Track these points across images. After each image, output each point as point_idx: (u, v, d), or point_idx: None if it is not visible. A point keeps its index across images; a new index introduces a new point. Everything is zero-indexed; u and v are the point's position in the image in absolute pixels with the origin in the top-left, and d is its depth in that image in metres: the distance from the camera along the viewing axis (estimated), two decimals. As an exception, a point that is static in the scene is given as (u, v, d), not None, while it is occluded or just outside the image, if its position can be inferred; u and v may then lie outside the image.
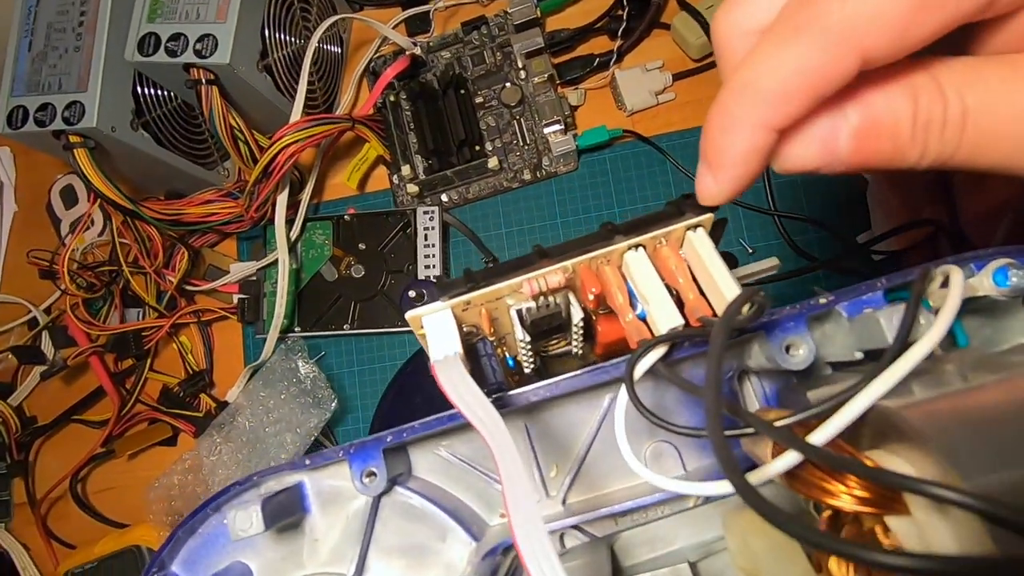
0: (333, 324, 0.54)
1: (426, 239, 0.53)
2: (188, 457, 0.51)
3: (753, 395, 0.19)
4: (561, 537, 0.19)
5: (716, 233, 0.17)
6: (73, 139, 0.45)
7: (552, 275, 0.17)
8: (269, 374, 0.51)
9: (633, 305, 0.17)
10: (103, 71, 0.44)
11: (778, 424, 0.13)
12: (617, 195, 0.54)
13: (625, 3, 0.53)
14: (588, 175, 0.54)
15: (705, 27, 0.51)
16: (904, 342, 0.13)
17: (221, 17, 0.44)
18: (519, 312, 0.17)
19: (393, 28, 0.57)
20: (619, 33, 0.53)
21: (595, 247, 0.17)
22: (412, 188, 0.54)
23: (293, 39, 0.52)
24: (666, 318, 0.16)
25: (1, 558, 0.56)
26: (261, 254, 0.55)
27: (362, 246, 0.54)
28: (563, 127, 0.53)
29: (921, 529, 0.11)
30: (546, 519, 0.18)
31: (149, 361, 0.57)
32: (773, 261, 0.23)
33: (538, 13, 0.54)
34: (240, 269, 0.56)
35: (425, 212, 0.53)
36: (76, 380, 0.60)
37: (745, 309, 0.14)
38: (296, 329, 0.54)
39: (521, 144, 0.55)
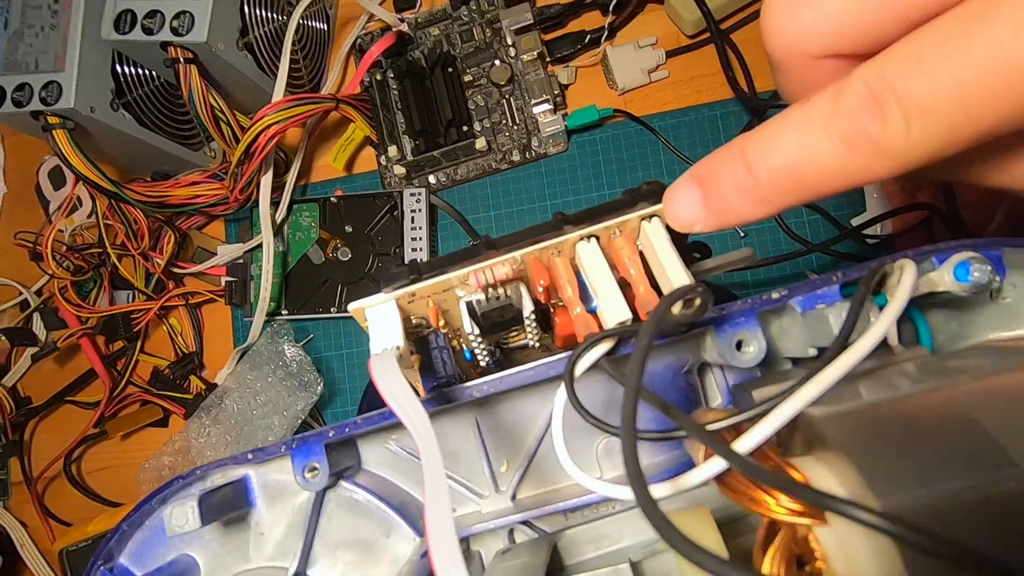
0: (320, 307, 0.53)
1: (413, 221, 0.52)
2: (178, 439, 0.51)
3: (716, 388, 0.18)
4: (510, 532, 0.19)
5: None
6: (52, 120, 0.44)
7: (499, 267, 0.16)
8: (256, 357, 0.51)
9: (585, 298, 0.16)
10: (80, 50, 0.44)
11: (711, 427, 0.12)
12: (608, 176, 0.53)
13: (617, -24, 0.51)
14: (578, 156, 0.53)
15: (699, 1, 0.49)
16: (844, 344, 0.12)
17: (198, -7, 0.43)
18: (469, 304, 0.17)
19: (380, 4, 0.55)
20: (610, 8, 0.51)
21: (545, 238, 0.16)
22: (399, 169, 0.53)
23: (275, 16, 0.50)
24: (614, 312, 0.15)
25: (0, 535, 0.58)
26: (248, 236, 0.55)
27: (349, 228, 0.53)
28: (552, 106, 0.52)
29: (842, 542, 0.11)
30: (495, 514, 0.18)
31: (140, 343, 0.57)
32: (746, 251, 0.22)
33: (527, -13, 0.52)
34: (228, 252, 0.56)
35: (412, 194, 0.53)
36: (69, 362, 0.60)
37: (678, 307, 0.13)
38: (283, 312, 0.54)
39: (510, 124, 0.53)
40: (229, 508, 0.17)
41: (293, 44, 0.51)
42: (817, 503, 0.10)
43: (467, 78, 0.54)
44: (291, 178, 0.54)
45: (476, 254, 0.16)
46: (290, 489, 0.18)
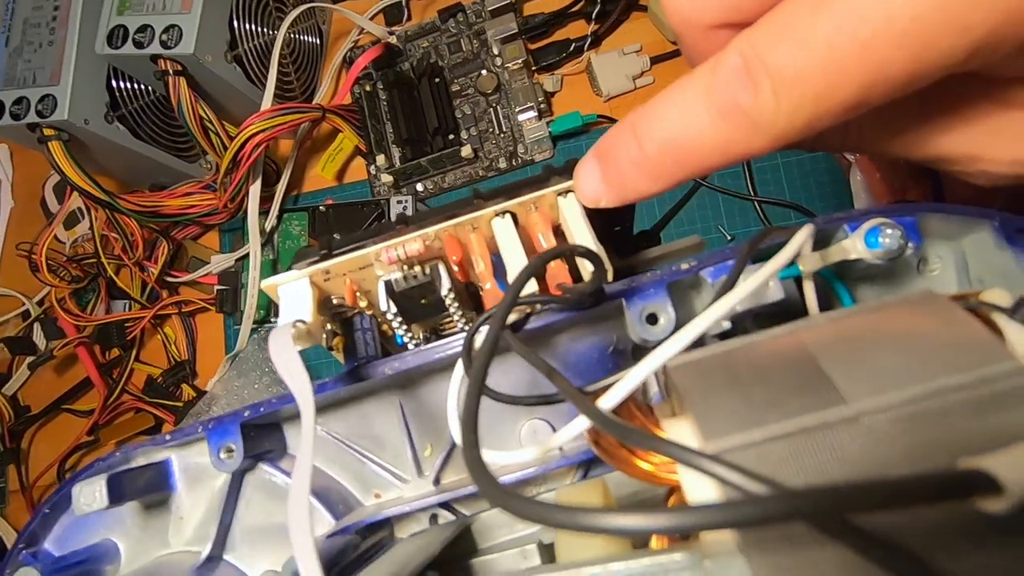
0: (308, 315, 0.54)
1: (399, 229, 0.52)
2: (166, 445, 0.52)
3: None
4: (433, 517, 0.18)
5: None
6: (47, 132, 0.45)
7: (411, 243, 0.16)
8: (243, 364, 0.52)
9: (500, 275, 0.16)
10: (75, 64, 0.45)
11: (588, 389, 0.12)
12: (593, 182, 0.52)
13: (600, -15, 0.51)
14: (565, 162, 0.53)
15: (681, 7, 0.49)
16: (711, 305, 0.12)
17: (187, 7, 0.44)
18: (387, 283, 0.17)
19: (371, 18, 0.57)
20: (594, 16, 0.52)
21: (458, 213, 0.16)
22: (387, 178, 0.54)
23: (266, 30, 0.52)
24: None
25: (-3, 542, 0.58)
26: (241, 245, 0.56)
27: (337, 236, 0.54)
28: (537, 114, 0.52)
29: (690, 494, 0.10)
30: (416, 498, 0.17)
31: (135, 351, 0.58)
32: (695, 239, 0.22)
33: (512, -2, 0.53)
34: (220, 260, 0.56)
35: (399, 202, 0.53)
36: (67, 370, 0.61)
37: (567, 274, 0.13)
38: (272, 320, 0.54)
39: (497, 132, 0.54)
40: (147, 490, 0.17)
41: (285, 57, 0.52)
42: (646, 446, 0.09)
43: (455, 88, 0.55)
44: (281, 187, 0.55)
45: (388, 230, 0.16)
46: (209, 472, 0.18)
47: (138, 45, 0.44)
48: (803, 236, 0.13)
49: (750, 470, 0.08)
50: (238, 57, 0.49)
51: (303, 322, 0.15)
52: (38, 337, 0.60)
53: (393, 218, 0.53)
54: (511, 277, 0.15)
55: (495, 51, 0.54)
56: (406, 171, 0.54)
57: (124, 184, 0.59)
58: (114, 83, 0.49)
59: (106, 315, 0.57)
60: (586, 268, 0.15)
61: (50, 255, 0.55)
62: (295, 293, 0.16)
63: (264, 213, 0.53)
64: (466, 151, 0.53)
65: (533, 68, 0.54)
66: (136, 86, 0.50)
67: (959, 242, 0.14)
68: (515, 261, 0.15)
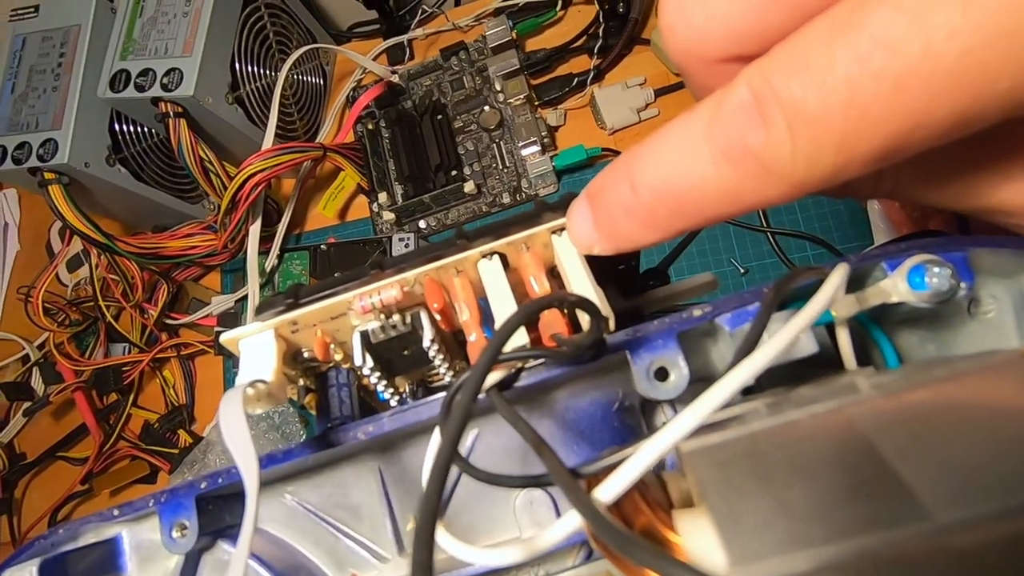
0: (308, 356, 0.52)
1: (401, 267, 0.51)
2: (159, 496, 0.50)
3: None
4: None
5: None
6: (48, 175, 0.45)
7: (387, 289, 0.14)
8: (240, 409, 0.50)
9: (488, 322, 0.14)
10: (77, 109, 0.45)
11: (584, 471, 0.10)
12: (599, 216, 0.51)
13: (601, 20, 0.51)
14: (569, 196, 0.52)
15: (684, 39, 0.48)
16: (732, 369, 0.10)
17: (188, 51, 0.44)
18: (364, 334, 0.15)
19: (374, 59, 0.57)
20: (596, 51, 0.51)
21: (440, 256, 0.14)
22: (389, 215, 0.53)
23: (268, 72, 0.52)
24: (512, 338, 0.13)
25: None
26: (242, 286, 0.55)
27: (338, 275, 0.53)
28: (541, 148, 0.51)
29: None
30: (396, 582, 0.15)
31: (132, 396, 0.57)
32: (708, 276, 0.20)
33: (514, 35, 0.53)
34: (221, 302, 0.55)
35: (400, 239, 0.52)
36: (64, 416, 0.60)
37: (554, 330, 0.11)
38: (271, 362, 0.53)
39: (500, 167, 0.53)
40: (92, 573, 0.15)
41: (287, 98, 0.53)
42: (653, 566, 0.07)
43: (457, 124, 0.55)
44: (282, 227, 0.54)
45: (361, 275, 0.14)
46: (163, 551, 0.16)
47: (139, 88, 0.44)
48: (837, 279, 0.11)
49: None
50: (240, 98, 0.49)
51: (263, 382, 0.14)
52: (36, 382, 0.59)
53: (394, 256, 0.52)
54: (497, 323, 0.14)
55: (497, 87, 0.54)
56: (409, 208, 0.53)
57: (127, 226, 0.59)
58: (116, 126, 0.49)
59: (104, 359, 0.56)
60: (583, 314, 0.13)
61: (50, 298, 0.54)
62: (257, 348, 0.14)
63: (265, 253, 0.52)
64: (469, 187, 0.52)
65: (536, 103, 0.53)
66: (138, 129, 0.50)
67: (1017, 280, 0.12)
68: (504, 308, 0.14)
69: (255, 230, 0.50)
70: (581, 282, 0.13)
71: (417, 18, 0.57)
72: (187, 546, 0.14)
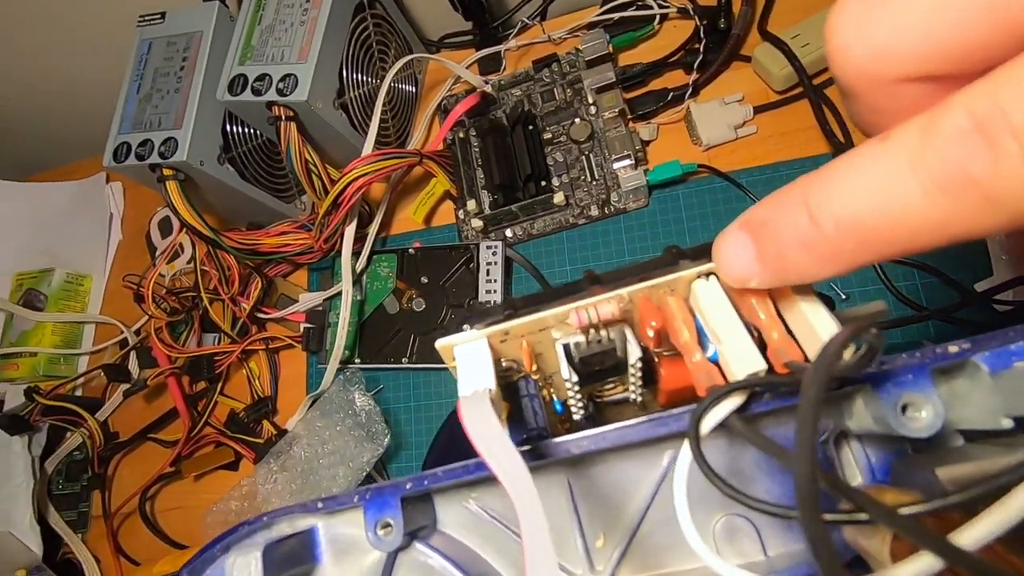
0: (392, 357, 0.53)
1: (488, 274, 0.52)
2: (246, 483, 0.51)
3: (854, 464, 0.15)
4: (606, 623, 0.16)
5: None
6: (166, 172, 0.48)
7: (604, 305, 0.14)
8: (326, 404, 0.51)
9: (703, 344, 0.14)
10: (196, 110, 0.48)
11: (904, 511, 0.10)
12: (691, 232, 0.50)
13: (703, 35, 0.51)
14: (659, 211, 0.52)
15: (790, 57, 0.48)
16: None
17: (303, 58, 0.46)
18: (566, 347, 0.15)
19: (467, 68, 0.58)
20: (695, 66, 0.51)
21: (657, 274, 0.14)
22: (476, 223, 0.54)
23: (369, 79, 0.54)
24: (744, 361, 0.13)
25: (75, 568, 0.59)
26: (328, 285, 0.56)
27: (425, 280, 0.54)
28: (633, 162, 0.51)
29: None
30: (587, 599, 0.15)
31: (220, 385, 0.59)
32: (879, 305, 0.19)
33: (610, 49, 0.53)
34: (309, 299, 0.57)
35: (488, 247, 0.52)
36: (156, 399, 0.63)
37: (848, 352, 0.11)
38: (356, 360, 0.54)
39: (589, 179, 0.53)
40: (293, 562, 0.16)
41: (384, 104, 0.54)
42: None
43: (547, 135, 0.55)
44: (373, 229, 0.55)
45: (578, 290, 0.14)
46: (359, 546, 0.16)
47: (256, 92, 0.46)
48: None
49: None
50: (344, 104, 0.51)
51: (489, 390, 0.14)
52: (132, 365, 0.62)
53: (482, 263, 0.53)
54: (722, 347, 0.14)
55: (590, 100, 0.54)
56: (496, 217, 0.54)
57: (223, 221, 0.62)
58: (228, 127, 0.51)
59: (198, 347, 0.59)
60: (813, 341, 0.13)
61: (153, 287, 0.57)
62: (473, 356, 0.14)
63: (356, 254, 0.53)
64: (558, 198, 0.52)
65: (629, 117, 0.53)
66: (246, 130, 0.53)
67: None
68: (728, 329, 0.14)
69: (350, 231, 0.51)
70: (816, 310, 0.13)
71: (516, 30, 0.58)
72: (393, 544, 0.15)
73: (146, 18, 0.52)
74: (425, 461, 0.50)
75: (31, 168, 0.80)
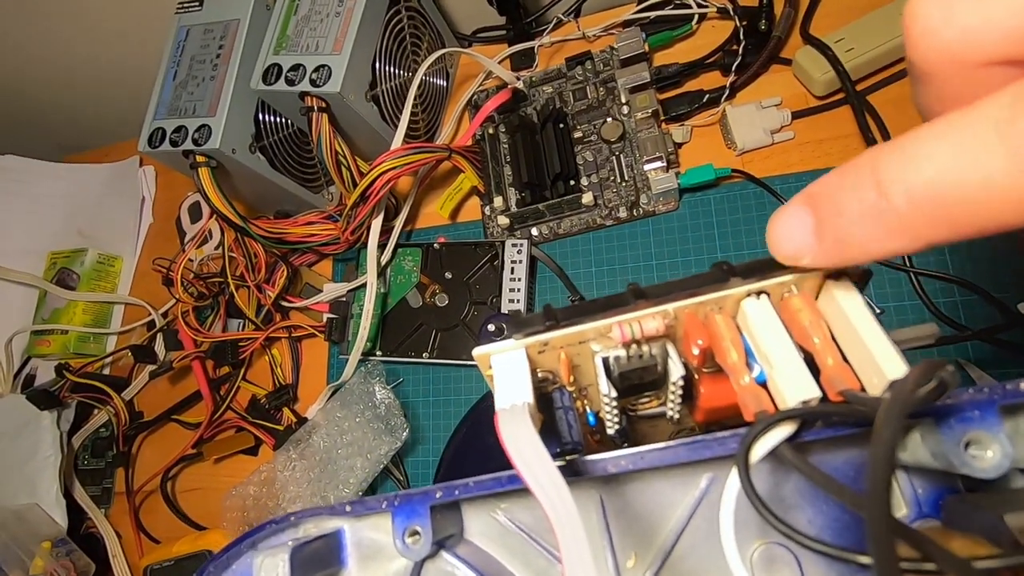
0: (413, 351, 0.53)
1: (512, 272, 0.51)
2: (264, 469, 0.52)
3: (899, 495, 0.15)
4: (635, 646, 0.16)
5: (860, 286, 0.14)
6: (199, 159, 0.48)
7: (649, 320, 0.14)
8: (347, 395, 0.52)
9: (750, 366, 0.14)
10: (231, 98, 0.48)
11: (980, 565, 0.09)
12: (721, 239, 0.49)
13: (742, 37, 0.50)
14: (689, 216, 0.51)
15: (833, 61, 0.46)
16: None
17: (337, 49, 0.46)
18: (605, 361, 0.15)
19: (499, 63, 0.57)
20: (733, 68, 0.50)
21: (705, 290, 0.14)
22: (503, 220, 0.53)
23: (401, 72, 0.53)
24: (796, 387, 0.12)
25: (97, 542, 0.60)
26: (353, 276, 0.57)
27: (448, 275, 0.54)
28: (665, 164, 0.50)
29: None
30: (616, 619, 0.15)
31: (243, 370, 0.60)
32: (931, 328, 0.19)
33: (646, 48, 0.52)
34: (333, 289, 0.57)
35: (514, 245, 0.52)
36: (180, 381, 0.64)
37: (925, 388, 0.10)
38: (377, 353, 0.54)
39: (619, 181, 0.52)
40: (319, 565, 0.15)
41: (415, 98, 0.54)
42: None
43: (577, 134, 0.54)
44: (399, 222, 0.55)
45: (621, 303, 0.14)
46: (385, 552, 0.16)
47: (289, 82, 0.47)
48: None
49: None
50: (375, 96, 0.51)
51: (527, 403, 0.13)
52: (159, 347, 0.63)
53: (507, 261, 0.53)
54: (771, 370, 0.13)
55: (623, 99, 0.53)
56: (523, 215, 0.53)
57: (251, 209, 0.62)
58: (260, 116, 0.52)
59: (223, 332, 0.59)
60: (871, 369, 0.12)
61: (182, 272, 0.58)
62: (511, 366, 0.14)
63: (381, 246, 0.53)
64: (587, 198, 0.51)
65: (662, 118, 0.52)
66: (277, 119, 0.53)
67: None
68: (779, 352, 0.13)
69: (377, 224, 0.51)
70: (877, 337, 0.12)
71: (551, 26, 0.57)
72: (421, 553, 0.14)
73: (184, 5, 0.53)
74: (442, 458, 0.50)
75: (69, 150, 0.82)
